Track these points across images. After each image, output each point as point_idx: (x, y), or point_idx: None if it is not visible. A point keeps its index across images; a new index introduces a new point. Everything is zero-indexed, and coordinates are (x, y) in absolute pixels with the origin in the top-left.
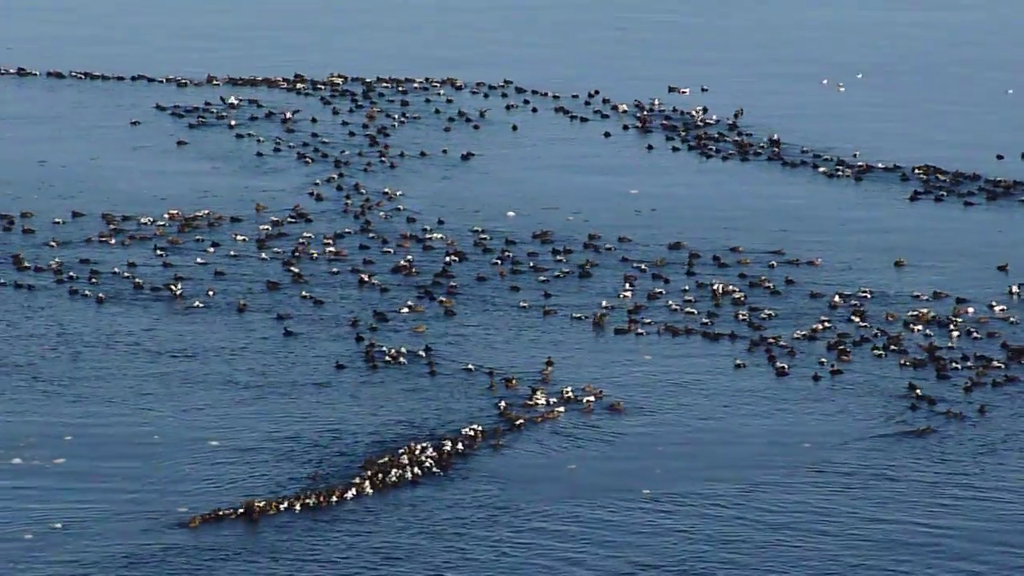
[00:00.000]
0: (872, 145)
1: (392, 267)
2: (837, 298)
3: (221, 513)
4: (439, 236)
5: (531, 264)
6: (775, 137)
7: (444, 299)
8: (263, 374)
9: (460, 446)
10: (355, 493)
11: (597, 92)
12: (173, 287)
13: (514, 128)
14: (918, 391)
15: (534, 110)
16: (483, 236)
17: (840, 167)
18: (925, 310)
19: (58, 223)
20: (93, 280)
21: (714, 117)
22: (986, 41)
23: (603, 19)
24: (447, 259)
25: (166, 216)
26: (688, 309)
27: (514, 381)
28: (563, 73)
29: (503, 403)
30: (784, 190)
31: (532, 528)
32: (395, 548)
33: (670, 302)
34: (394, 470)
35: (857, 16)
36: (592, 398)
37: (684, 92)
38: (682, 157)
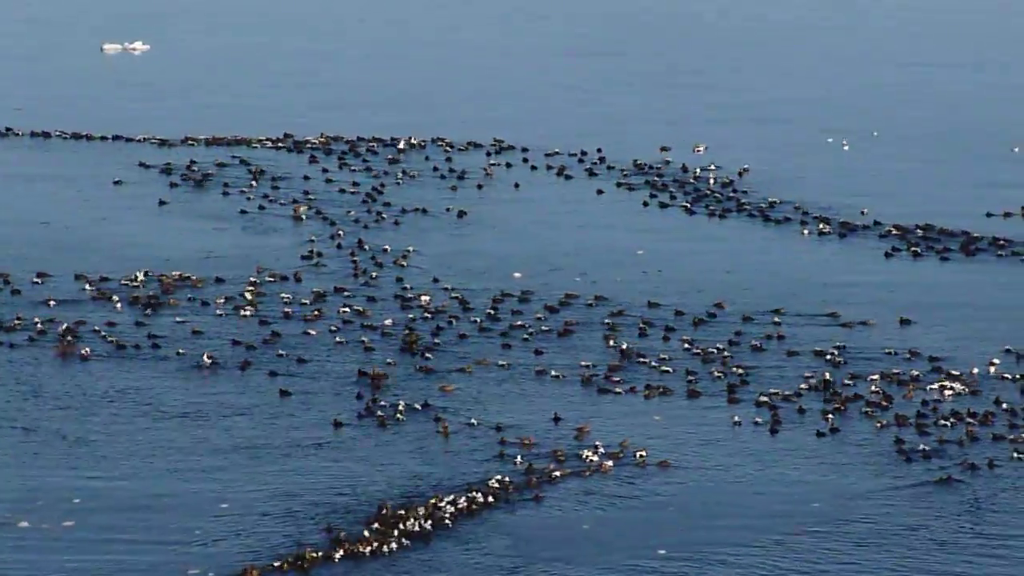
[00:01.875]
0: (873, 203)
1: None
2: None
3: (275, 565)
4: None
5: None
6: (773, 199)
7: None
8: (268, 432)
9: (491, 498)
10: (397, 545)
11: (601, 151)
12: (204, 359)
13: (516, 186)
14: (924, 446)
15: (533, 168)
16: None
17: (825, 224)
18: (909, 372)
19: (37, 283)
20: (110, 339)
21: (712, 177)
22: (993, 100)
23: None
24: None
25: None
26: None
27: (530, 439)
28: (554, 131)
29: (519, 459)
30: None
31: None
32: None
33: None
34: (428, 519)
35: (868, 73)
36: (644, 453)
37: (699, 151)
38: (681, 216)
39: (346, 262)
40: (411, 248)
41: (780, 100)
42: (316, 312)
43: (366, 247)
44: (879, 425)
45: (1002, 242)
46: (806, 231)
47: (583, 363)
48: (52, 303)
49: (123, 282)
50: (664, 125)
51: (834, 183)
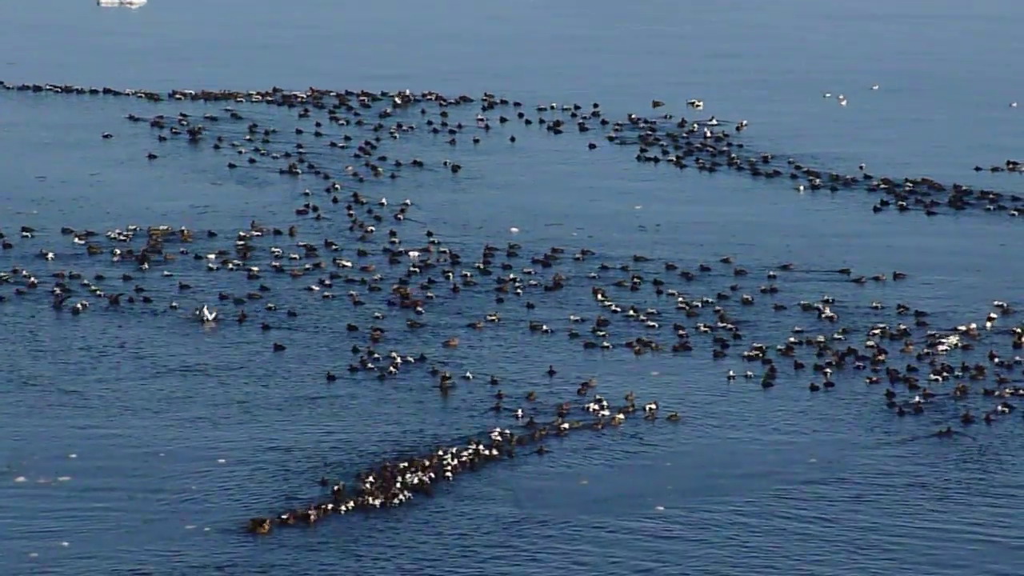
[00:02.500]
0: (868, 157)
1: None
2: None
3: (283, 517)
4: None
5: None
6: (766, 154)
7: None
8: (267, 385)
9: (495, 452)
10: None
11: (597, 107)
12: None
13: (512, 140)
14: (919, 398)
15: (527, 122)
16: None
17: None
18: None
19: (26, 236)
20: (99, 292)
21: (707, 132)
22: (992, 55)
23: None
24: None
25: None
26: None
27: (533, 394)
28: (547, 86)
29: (520, 412)
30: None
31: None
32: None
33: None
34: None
35: (868, 28)
36: (654, 406)
37: (697, 106)
38: (673, 171)
39: (342, 216)
40: (408, 202)
41: (778, 55)
42: (311, 266)
43: (362, 201)
44: (869, 381)
45: (991, 196)
46: (801, 187)
47: (573, 317)
48: (51, 256)
49: (111, 236)
50: (661, 82)
51: (829, 137)
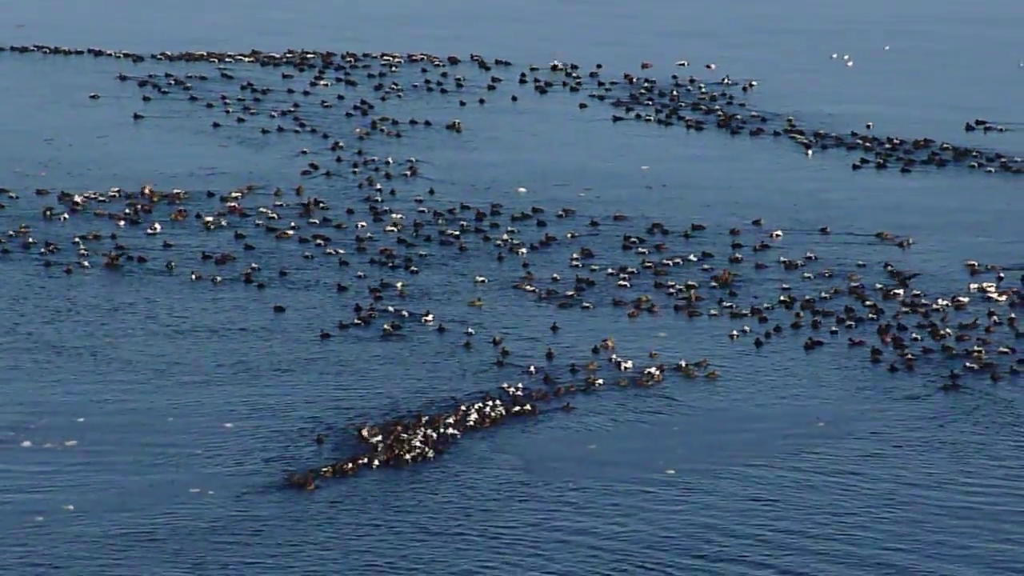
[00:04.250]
0: (865, 117)
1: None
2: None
3: (323, 471)
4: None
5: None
6: (755, 112)
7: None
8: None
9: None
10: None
11: (600, 67)
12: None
13: (514, 99)
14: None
15: (522, 82)
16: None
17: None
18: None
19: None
20: (100, 253)
21: (702, 89)
22: (1001, 15)
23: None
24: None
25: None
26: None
27: (551, 350)
28: (546, 47)
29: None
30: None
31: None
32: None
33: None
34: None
35: None
36: (697, 366)
37: (711, 68)
38: (675, 131)
39: (348, 176)
40: (414, 159)
41: (793, 16)
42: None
43: (370, 160)
44: (852, 341)
45: (974, 154)
46: (810, 152)
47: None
48: (65, 218)
49: (94, 197)
50: (667, 41)
51: (826, 98)
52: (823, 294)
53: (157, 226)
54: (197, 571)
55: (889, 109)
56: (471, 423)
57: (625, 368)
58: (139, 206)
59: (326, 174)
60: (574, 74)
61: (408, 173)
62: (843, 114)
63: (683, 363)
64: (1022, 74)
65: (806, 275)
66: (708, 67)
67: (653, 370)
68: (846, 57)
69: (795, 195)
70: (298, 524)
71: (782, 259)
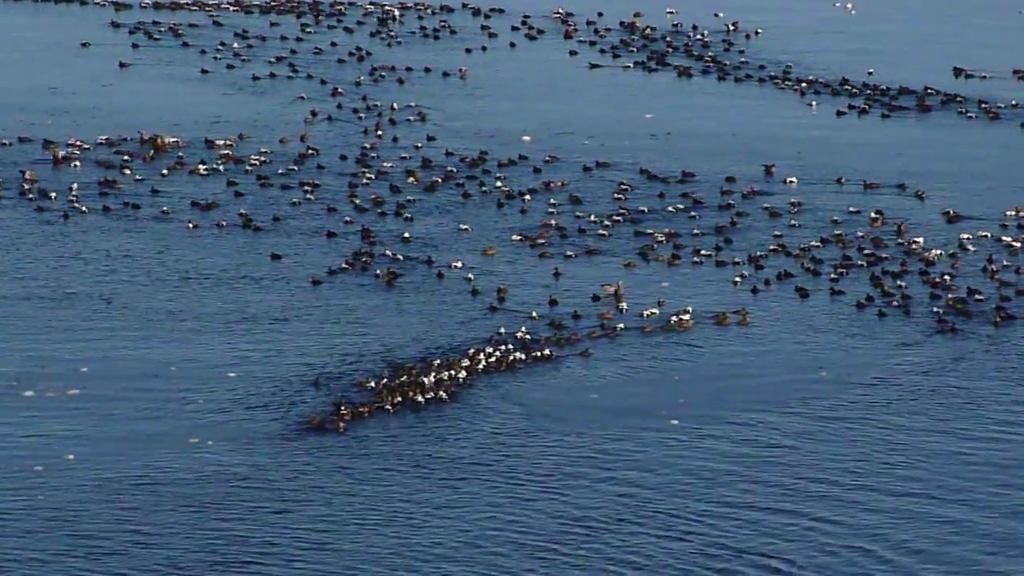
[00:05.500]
0: (860, 65)
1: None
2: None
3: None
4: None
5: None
6: (744, 59)
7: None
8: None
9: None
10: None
11: (601, 15)
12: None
13: (512, 45)
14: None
15: (515, 28)
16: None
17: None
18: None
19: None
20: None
21: (702, 38)
22: None
23: None
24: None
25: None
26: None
27: (555, 298)
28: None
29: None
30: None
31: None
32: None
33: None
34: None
35: None
36: (737, 314)
37: (719, 15)
38: (673, 80)
39: (355, 121)
40: (413, 103)
41: None
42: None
43: (373, 105)
44: (879, 286)
45: (959, 99)
46: (814, 103)
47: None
48: (77, 164)
49: (80, 144)
50: None
51: (827, 46)
52: (812, 243)
53: (164, 172)
54: (195, 517)
55: (883, 58)
56: (484, 367)
57: (650, 315)
58: (135, 154)
59: (328, 118)
60: (570, 22)
61: (412, 119)
62: (838, 63)
63: (724, 312)
64: (1021, 20)
65: (793, 223)
66: (716, 15)
67: (681, 316)
68: (848, 4)
69: (797, 142)
70: (313, 468)
71: (766, 206)
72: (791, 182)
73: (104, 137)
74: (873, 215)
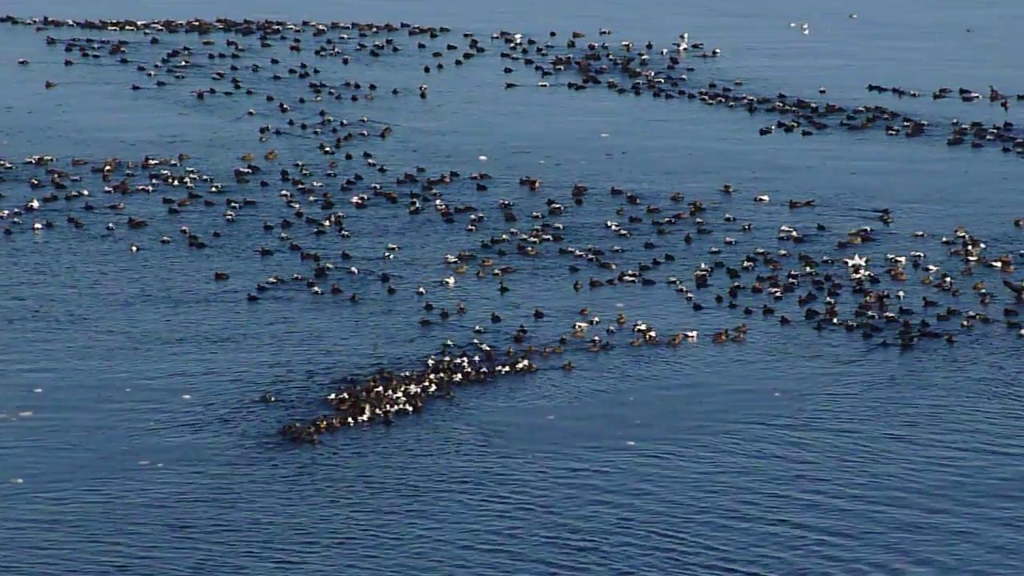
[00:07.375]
0: (802, 84)
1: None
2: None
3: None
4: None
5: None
6: (679, 75)
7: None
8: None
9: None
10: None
11: (554, 34)
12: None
13: (457, 63)
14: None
15: (473, 43)
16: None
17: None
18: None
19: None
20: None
21: (643, 58)
22: None
23: None
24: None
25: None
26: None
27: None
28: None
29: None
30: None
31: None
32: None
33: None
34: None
35: None
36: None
37: (684, 38)
38: (631, 99)
39: (308, 138)
40: (365, 118)
41: None
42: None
43: (328, 120)
44: (793, 304)
45: (886, 116)
46: (774, 128)
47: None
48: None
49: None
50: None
51: (771, 64)
52: (746, 260)
53: (109, 189)
54: (147, 539)
55: (829, 74)
56: (457, 379)
57: (641, 331)
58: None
59: (276, 132)
60: (514, 43)
61: (365, 134)
62: (784, 79)
63: (725, 329)
64: (966, 40)
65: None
66: (682, 36)
67: (643, 329)
68: (803, 26)
69: (746, 160)
70: (289, 480)
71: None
72: (733, 191)
73: (35, 157)
74: (793, 232)
